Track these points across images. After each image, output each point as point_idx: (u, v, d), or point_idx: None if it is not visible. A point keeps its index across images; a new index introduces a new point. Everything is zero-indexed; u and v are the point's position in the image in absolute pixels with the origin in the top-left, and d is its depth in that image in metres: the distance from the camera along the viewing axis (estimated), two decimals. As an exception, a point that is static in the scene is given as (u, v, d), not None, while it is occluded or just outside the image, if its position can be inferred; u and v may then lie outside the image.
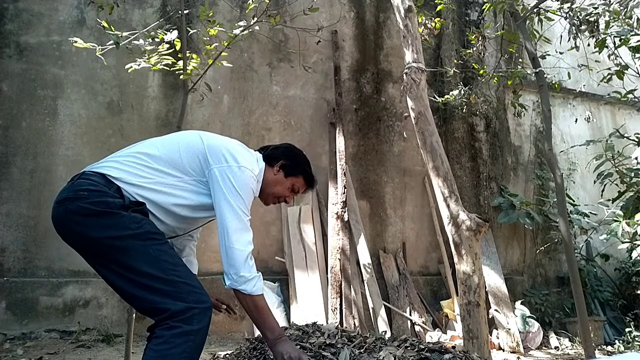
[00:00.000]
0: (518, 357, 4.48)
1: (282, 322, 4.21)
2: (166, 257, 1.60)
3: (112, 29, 3.13)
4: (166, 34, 3.40)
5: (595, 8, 4.28)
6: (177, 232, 1.86)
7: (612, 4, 4.25)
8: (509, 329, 4.76)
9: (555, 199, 4.42)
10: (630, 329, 5.22)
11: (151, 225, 1.64)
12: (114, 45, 3.03)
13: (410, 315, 4.75)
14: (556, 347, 4.96)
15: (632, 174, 4.59)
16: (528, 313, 5.03)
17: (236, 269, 1.66)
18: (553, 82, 5.18)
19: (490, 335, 4.73)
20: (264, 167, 1.93)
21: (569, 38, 4.59)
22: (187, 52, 3.54)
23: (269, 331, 1.73)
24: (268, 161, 1.95)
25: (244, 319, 4.62)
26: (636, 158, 4.32)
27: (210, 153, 1.76)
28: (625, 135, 4.74)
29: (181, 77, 3.50)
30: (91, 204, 1.57)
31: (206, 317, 1.57)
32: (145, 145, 1.80)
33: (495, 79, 5.36)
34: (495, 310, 4.93)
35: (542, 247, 5.92)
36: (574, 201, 6.02)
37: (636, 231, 4.48)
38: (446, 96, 5.22)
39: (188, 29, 3.80)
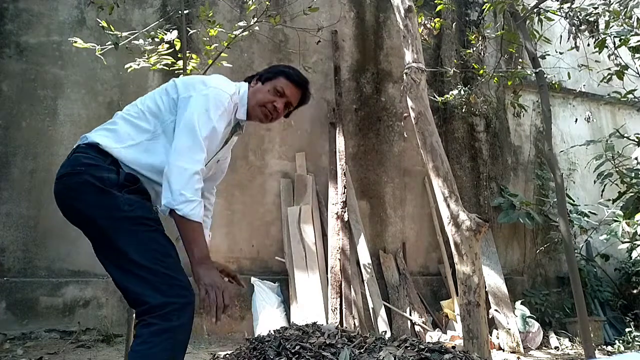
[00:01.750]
0: (518, 357, 4.48)
1: (282, 322, 4.21)
2: (155, 245, 1.54)
3: (112, 29, 3.13)
4: (166, 34, 3.41)
5: (595, 8, 4.28)
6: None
7: (612, 4, 4.25)
8: (509, 329, 4.76)
9: (555, 199, 4.42)
10: (630, 329, 5.22)
11: (144, 210, 1.58)
12: (114, 46, 3.03)
13: (410, 315, 4.75)
14: (556, 347, 4.96)
15: (632, 174, 4.59)
16: (528, 313, 5.03)
17: (177, 185, 1.52)
18: (553, 82, 5.18)
19: (490, 335, 4.73)
20: (246, 91, 1.87)
21: (569, 38, 4.59)
22: (187, 52, 3.54)
23: (196, 250, 1.56)
24: (248, 81, 1.92)
25: (244, 319, 4.62)
26: (636, 158, 4.32)
27: (183, 86, 1.72)
28: (625, 135, 4.74)
29: (181, 77, 3.50)
30: (87, 180, 1.53)
31: (186, 313, 1.50)
32: (130, 105, 1.78)
33: (495, 79, 5.36)
34: (495, 310, 4.93)
35: (542, 247, 5.92)
36: (574, 201, 6.02)
37: (636, 231, 4.48)
38: (446, 96, 5.22)
39: (188, 29, 3.80)
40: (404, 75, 3.62)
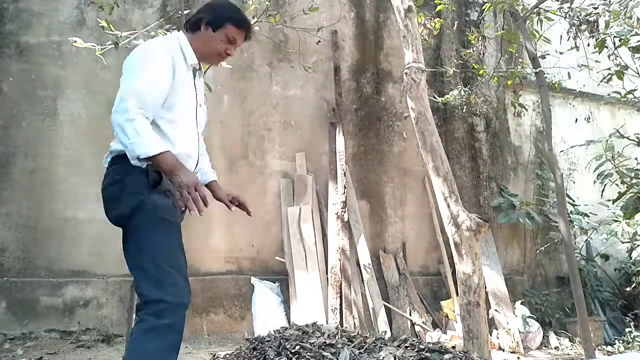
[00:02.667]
0: (518, 357, 4.48)
1: (282, 322, 4.21)
2: (167, 246, 1.70)
3: (112, 29, 3.13)
4: (166, 34, 3.40)
5: (595, 8, 4.28)
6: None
7: (612, 4, 4.25)
8: (509, 329, 4.76)
9: (555, 199, 4.42)
10: (630, 329, 5.21)
11: (165, 212, 1.74)
12: (114, 46, 3.03)
13: (410, 315, 4.75)
14: (556, 347, 4.96)
15: (632, 174, 4.59)
16: (528, 313, 5.03)
17: (126, 134, 1.62)
18: (553, 82, 5.17)
19: (490, 335, 4.73)
20: (184, 36, 1.94)
21: (569, 38, 4.59)
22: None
23: (164, 165, 1.66)
24: (195, 25, 1.94)
25: (244, 319, 4.62)
26: (636, 158, 4.32)
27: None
28: (625, 135, 4.74)
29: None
30: (123, 187, 1.74)
31: (177, 313, 1.62)
32: None
33: (495, 79, 5.36)
34: (495, 310, 4.93)
35: (542, 247, 5.92)
36: (574, 201, 6.01)
37: (636, 231, 4.48)
38: (446, 96, 5.22)
39: (188, 29, 3.79)
40: (404, 75, 3.61)
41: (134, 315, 2.92)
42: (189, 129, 1.93)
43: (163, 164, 1.64)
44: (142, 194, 1.71)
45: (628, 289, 5.81)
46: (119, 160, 1.78)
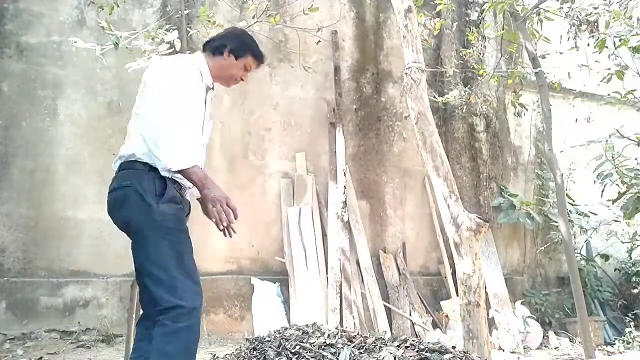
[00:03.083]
0: (518, 357, 4.48)
1: (282, 322, 4.21)
2: (176, 254, 1.77)
3: (112, 29, 3.13)
4: (166, 34, 3.40)
5: (595, 8, 4.28)
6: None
7: (612, 4, 4.25)
8: (509, 329, 4.76)
9: (555, 199, 4.42)
10: (630, 329, 5.22)
11: (173, 221, 1.80)
12: (114, 46, 3.03)
13: (410, 315, 4.75)
14: (556, 347, 4.96)
15: (632, 174, 4.58)
16: (528, 313, 5.03)
17: (159, 147, 1.72)
18: (553, 82, 5.17)
19: (490, 335, 4.73)
20: (203, 59, 2.06)
21: (569, 38, 4.58)
22: (187, 52, 3.54)
23: (196, 179, 1.78)
24: (217, 50, 2.08)
25: (244, 319, 4.62)
26: (636, 158, 4.32)
27: (146, 77, 1.91)
28: (625, 135, 4.73)
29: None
30: (133, 192, 1.77)
31: (193, 316, 1.73)
32: (133, 112, 1.92)
33: (495, 79, 5.36)
34: (495, 310, 4.93)
35: (542, 247, 5.91)
36: (574, 201, 6.01)
37: (636, 231, 4.48)
38: (446, 96, 5.22)
39: (188, 29, 3.80)
40: (404, 75, 3.61)
41: (133, 315, 2.93)
42: (197, 141, 2.02)
43: (194, 177, 1.77)
44: (151, 204, 1.76)
45: (635, 290, 5.81)
46: (129, 165, 1.84)
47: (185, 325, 1.70)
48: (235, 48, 2.09)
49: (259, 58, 2.17)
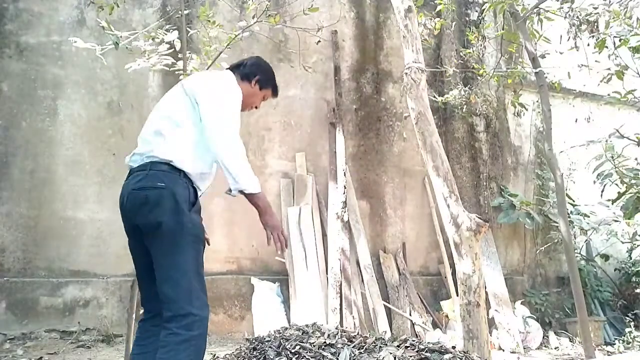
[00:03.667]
0: (518, 357, 4.48)
1: (282, 322, 4.21)
2: (197, 262, 1.83)
3: (112, 29, 3.13)
4: (166, 34, 3.40)
5: (595, 8, 4.28)
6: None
7: (612, 4, 4.25)
8: (509, 329, 4.76)
9: (555, 199, 4.42)
10: (630, 329, 5.22)
11: (199, 230, 1.87)
12: (114, 46, 3.03)
13: (410, 315, 4.75)
14: (556, 347, 4.96)
15: (632, 174, 4.58)
16: (528, 313, 5.03)
17: (237, 171, 1.84)
18: (553, 82, 5.17)
19: (490, 335, 4.73)
20: (239, 81, 2.16)
21: (569, 38, 4.58)
22: (187, 52, 3.54)
23: (263, 205, 1.97)
24: (246, 77, 2.21)
25: (244, 319, 4.62)
26: (636, 158, 4.31)
27: (196, 86, 1.97)
28: (625, 135, 4.73)
29: (181, 77, 3.50)
30: (169, 196, 1.79)
31: (204, 324, 1.79)
32: (164, 115, 1.99)
33: (495, 78, 5.36)
34: (495, 310, 4.93)
35: (542, 247, 5.91)
36: (574, 201, 6.01)
37: (636, 231, 4.48)
38: (446, 96, 5.22)
39: (188, 29, 3.80)
40: (404, 75, 3.61)
41: (133, 315, 2.93)
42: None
43: (260, 202, 1.94)
44: (185, 211, 1.81)
45: (635, 290, 5.81)
46: (162, 168, 1.84)
47: (197, 334, 1.76)
48: (262, 79, 2.24)
49: (276, 92, 2.35)
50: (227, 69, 2.30)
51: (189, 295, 1.76)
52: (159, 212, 1.78)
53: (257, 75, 2.22)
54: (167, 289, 1.78)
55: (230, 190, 1.90)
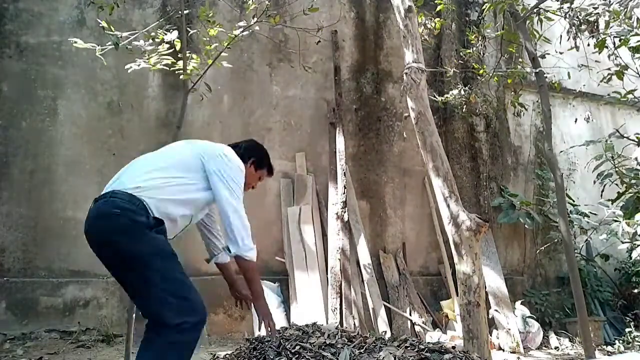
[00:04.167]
0: (518, 357, 4.48)
1: (282, 322, 4.21)
2: (174, 274, 1.87)
3: (112, 29, 3.13)
4: (166, 34, 3.40)
5: (595, 8, 4.27)
6: (183, 228, 2.15)
7: (612, 4, 4.25)
8: (509, 329, 4.76)
9: (555, 199, 4.42)
10: (630, 329, 5.22)
11: (168, 245, 1.92)
12: (114, 46, 3.03)
13: (410, 315, 4.75)
14: (556, 347, 4.96)
15: (632, 174, 4.58)
16: (528, 313, 5.03)
17: (243, 238, 2.05)
18: (553, 82, 5.17)
19: (490, 335, 4.73)
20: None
21: (569, 38, 4.58)
22: (187, 52, 3.54)
23: (258, 289, 2.19)
24: (242, 158, 2.27)
25: (244, 319, 4.62)
26: (636, 158, 4.31)
27: (207, 152, 2.11)
28: (625, 135, 4.73)
29: (181, 77, 3.50)
30: (125, 220, 1.82)
31: (198, 330, 1.86)
32: (154, 157, 2.11)
33: (495, 78, 5.35)
34: (495, 310, 4.93)
35: (542, 247, 5.91)
36: (574, 201, 6.01)
37: (636, 231, 4.48)
38: (446, 96, 5.22)
39: (188, 29, 3.80)
40: (404, 75, 3.61)
41: (133, 315, 2.93)
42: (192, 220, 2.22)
43: (254, 281, 2.19)
44: (148, 233, 1.85)
45: (635, 290, 5.81)
46: (132, 199, 1.87)
47: (188, 339, 1.84)
48: (258, 161, 2.38)
49: (272, 172, 2.50)
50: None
51: (180, 308, 1.80)
52: (121, 238, 1.82)
53: (252, 157, 2.34)
54: (153, 305, 1.83)
55: (210, 258, 2.24)
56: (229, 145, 2.35)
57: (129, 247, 1.81)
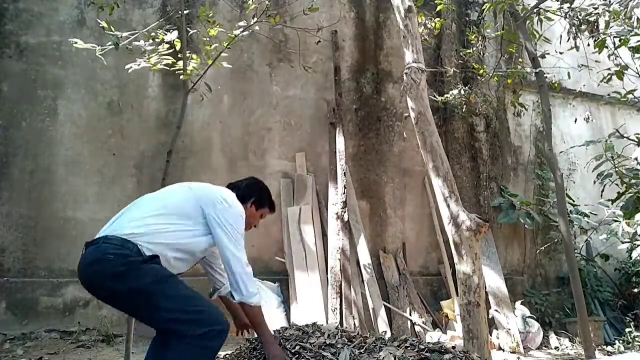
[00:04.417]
0: (518, 357, 4.48)
1: (282, 322, 4.21)
2: (184, 291, 1.92)
3: (112, 29, 3.13)
4: (166, 34, 3.40)
5: (595, 8, 4.27)
6: (181, 270, 2.16)
7: (612, 4, 4.25)
8: (509, 329, 4.76)
9: (555, 199, 4.42)
10: (630, 329, 5.22)
11: (165, 270, 1.94)
12: (114, 46, 3.03)
13: (410, 315, 4.75)
14: (556, 347, 4.96)
15: (632, 174, 4.58)
16: (528, 313, 5.03)
17: (246, 286, 2.05)
18: (553, 82, 5.17)
19: (490, 335, 4.73)
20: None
21: (569, 38, 4.58)
22: (187, 52, 3.54)
23: (266, 333, 2.17)
24: (242, 200, 2.28)
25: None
26: (636, 158, 4.31)
27: (207, 198, 2.10)
28: (625, 135, 4.73)
29: (181, 77, 3.50)
30: (118, 265, 1.83)
31: (221, 338, 1.89)
32: (151, 202, 2.11)
33: (495, 78, 5.35)
34: (495, 310, 4.93)
35: (542, 247, 5.91)
36: (574, 201, 6.01)
37: (636, 231, 4.48)
38: (446, 96, 5.22)
39: (188, 29, 3.80)
40: (404, 75, 3.61)
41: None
42: (192, 263, 2.24)
43: (262, 325, 2.16)
44: (143, 267, 1.87)
45: (635, 290, 5.80)
46: (117, 241, 1.88)
47: (213, 345, 1.88)
48: (258, 200, 2.39)
49: (274, 209, 2.50)
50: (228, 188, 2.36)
51: (201, 320, 1.84)
52: (108, 278, 1.84)
53: (252, 197, 2.35)
54: (180, 325, 1.83)
55: (213, 292, 2.32)
56: (228, 185, 2.39)
57: (128, 287, 1.83)
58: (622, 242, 4.89)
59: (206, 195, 2.12)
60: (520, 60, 5.40)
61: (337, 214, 4.71)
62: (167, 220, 2.01)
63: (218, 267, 2.44)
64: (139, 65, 3.34)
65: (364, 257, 4.81)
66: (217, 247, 2.09)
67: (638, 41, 3.89)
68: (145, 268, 1.87)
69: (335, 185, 4.88)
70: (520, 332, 4.80)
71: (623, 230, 4.58)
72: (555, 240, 5.85)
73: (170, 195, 2.16)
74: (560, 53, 4.90)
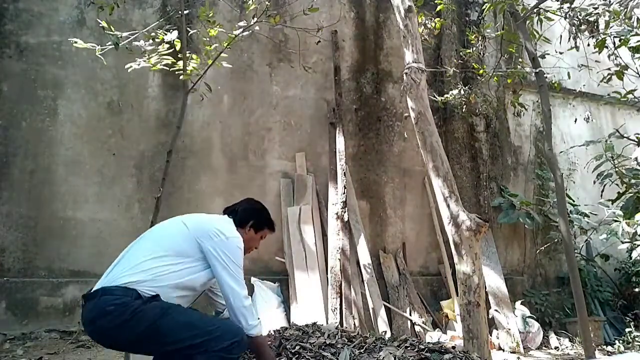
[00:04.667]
0: (518, 357, 4.48)
1: (282, 322, 4.21)
2: (192, 317, 1.96)
3: (112, 29, 3.13)
4: (166, 34, 3.40)
5: (595, 8, 4.27)
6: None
7: (612, 4, 4.25)
8: (509, 329, 4.76)
9: (555, 199, 4.42)
10: (630, 329, 5.22)
11: (167, 303, 1.96)
12: (114, 46, 3.03)
13: (410, 315, 4.75)
14: (556, 347, 4.96)
15: (632, 174, 4.58)
16: (528, 313, 5.03)
17: (246, 319, 2.05)
18: (553, 82, 5.17)
19: (490, 335, 4.73)
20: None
21: (569, 38, 4.58)
22: (187, 52, 3.54)
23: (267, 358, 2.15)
24: (240, 224, 2.30)
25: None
26: (636, 158, 4.31)
27: (202, 232, 2.09)
28: (625, 135, 4.73)
29: (181, 77, 3.50)
30: (121, 314, 1.85)
31: (241, 347, 1.98)
32: (147, 245, 2.09)
33: (495, 78, 5.35)
34: (495, 310, 4.93)
35: (542, 247, 5.91)
36: (574, 201, 6.01)
37: (636, 231, 4.48)
38: (446, 96, 5.22)
39: (188, 29, 3.80)
40: (404, 75, 3.62)
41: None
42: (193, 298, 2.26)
43: (266, 354, 2.14)
44: (145, 308, 1.89)
45: (635, 290, 5.80)
46: (125, 293, 1.90)
47: (236, 356, 1.96)
48: (256, 223, 2.38)
49: (273, 228, 2.49)
50: (224, 213, 2.38)
51: (216, 339, 1.89)
52: (114, 329, 1.86)
53: (250, 221, 2.34)
54: (194, 351, 1.88)
55: (216, 315, 2.31)
56: (224, 209, 2.39)
57: (137, 332, 1.86)
58: (622, 242, 4.89)
59: (202, 229, 2.11)
60: (520, 60, 5.40)
61: (337, 214, 4.71)
62: (165, 262, 2.01)
63: (219, 291, 2.41)
64: (139, 65, 3.34)
65: (364, 257, 4.81)
66: (215, 280, 2.11)
67: (638, 41, 3.89)
68: (148, 307, 1.88)
69: (335, 185, 4.88)
70: (520, 332, 4.80)
71: (623, 230, 4.58)
72: (555, 240, 5.85)
73: (165, 235, 2.15)
74: (560, 53, 4.90)
